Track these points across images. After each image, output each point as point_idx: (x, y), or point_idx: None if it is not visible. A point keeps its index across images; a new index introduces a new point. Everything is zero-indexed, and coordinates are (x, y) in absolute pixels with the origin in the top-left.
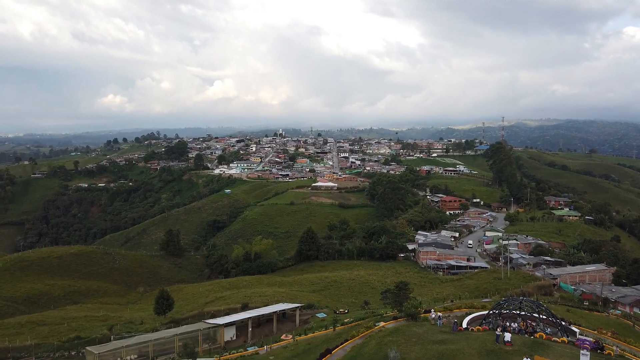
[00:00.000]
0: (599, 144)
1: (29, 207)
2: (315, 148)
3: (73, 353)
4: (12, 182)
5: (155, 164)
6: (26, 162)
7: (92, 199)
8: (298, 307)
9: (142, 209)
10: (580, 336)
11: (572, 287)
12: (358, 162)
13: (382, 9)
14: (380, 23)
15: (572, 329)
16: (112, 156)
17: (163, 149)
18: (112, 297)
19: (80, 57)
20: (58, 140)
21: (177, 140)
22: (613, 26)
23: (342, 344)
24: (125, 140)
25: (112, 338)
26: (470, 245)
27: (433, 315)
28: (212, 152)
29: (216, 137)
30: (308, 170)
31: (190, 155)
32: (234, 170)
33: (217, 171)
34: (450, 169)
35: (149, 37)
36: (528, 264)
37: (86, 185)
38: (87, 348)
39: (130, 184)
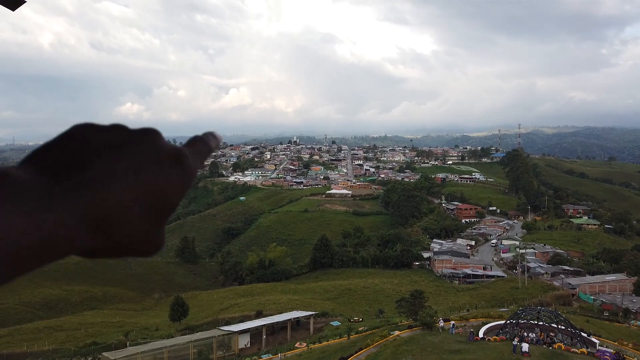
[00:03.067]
0: (618, 152)
1: None
2: (329, 155)
3: (89, 358)
4: None
5: None
6: None
7: None
8: (312, 314)
9: None
10: (600, 347)
11: (592, 297)
12: (372, 170)
13: (396, 16)
14: (394, 31)
15: (591, 340)
16: None
17: None
18: (128, 303)
19: (98, 66)
20: None
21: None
22: (631, 32)
23: (356, 352)
24: None
25: (127, 344)
26: (494, 244)
27: (442, 324)
28: (227, 160)
29: (231, 145)
30: (322, 177)
31: (205, 162)
32: (248, 177)
33: (231, 178)
34: (466, 176)
35: (165, 46)
36: (546, 273)
37: None
38: (103, 354)
39: None
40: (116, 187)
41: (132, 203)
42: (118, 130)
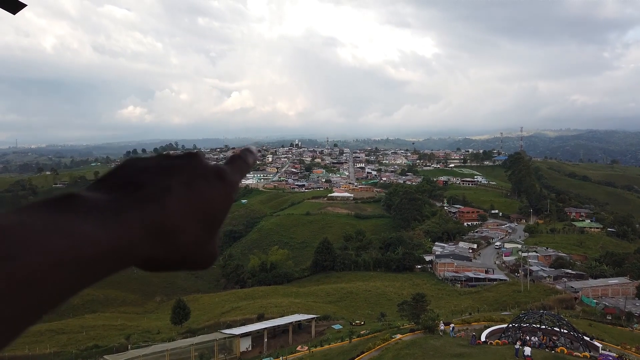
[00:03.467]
0: (621, 155)
1: None
2: (331, 158)
3: None
4: (34, 192)
5: None
6: (48, 173)
7: None
8: (314, 318)
9: None
10: (603, 351)
11: (595, 300)
12: (374, 173)
13: (398, 20)
14: (396, 34)
15: (594, 344)
16: None
17: None
18: (129, 306)
19: (101, 69)
20: (79, 150)
21: (195, 150)
22: (633, 35)
23: (358, 356)
24: (144, 150)
25: (129, 347)
26: (498, 247)
27: (442, 327)
28: None
29: (233, 148)
30: (324, 180)
31: (245, 177)
32: (250, 180)
33: None
34: (468, 179)
35: (167, 49)
36: (548, 276)
37: None
38: (105, 357)
39: None
40: (172, 199)
41: (186, 213)
42: (164, 156)
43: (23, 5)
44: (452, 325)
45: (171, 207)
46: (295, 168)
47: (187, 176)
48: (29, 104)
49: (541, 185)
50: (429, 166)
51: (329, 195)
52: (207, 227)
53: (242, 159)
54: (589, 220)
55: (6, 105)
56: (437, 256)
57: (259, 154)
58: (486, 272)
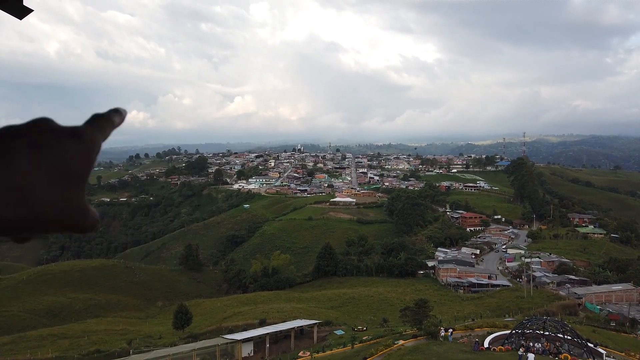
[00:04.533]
0: (624, 160)
1: None
2: (333, 163)
3: None
4: None
5: (176, 179)
6: None
7: (114, 214)
8: (316, 323)
9: (162, 223)
10: (606, 358)
11: (598, 307)
12: (377, 178)
13: (400, 25)
14: (398, 39)
15: (598, 350)
16: (134, 171)
17: (183, 164)
18: (131, 311)
19: (104, 74)
20: None
21: (198, 155)
22: (636, 41)
23: None
24: (147, 155)
25: (131, 352)
26: (504, 249)
27: (443, 333)
28: (231, 167)
29: (235, 153)
30: (326, 185)
31: (210, 170)
32: (252, 185)
33: (236, 186)
34: (471, 184)
35: (170, 54)
36: (552, 282)
37: (108, 200)
38: None
39: (151, 198)
40: (14, 159)
41: (34, 170)
42: (8, 126)
43: (30, 11)
44: (450, 330)
45: (15, 165)
46: (298, 173)
47: (32, 137)
48: (33, 108)
49: (544, 190)
50: (432, 171)
51: (331, 200)
52: (63, 183)
53: (106, 117)
54: (592, 226)
55: (10, 109)
56: (440, 262)
57: (261, 159)
58: (489, 277)
